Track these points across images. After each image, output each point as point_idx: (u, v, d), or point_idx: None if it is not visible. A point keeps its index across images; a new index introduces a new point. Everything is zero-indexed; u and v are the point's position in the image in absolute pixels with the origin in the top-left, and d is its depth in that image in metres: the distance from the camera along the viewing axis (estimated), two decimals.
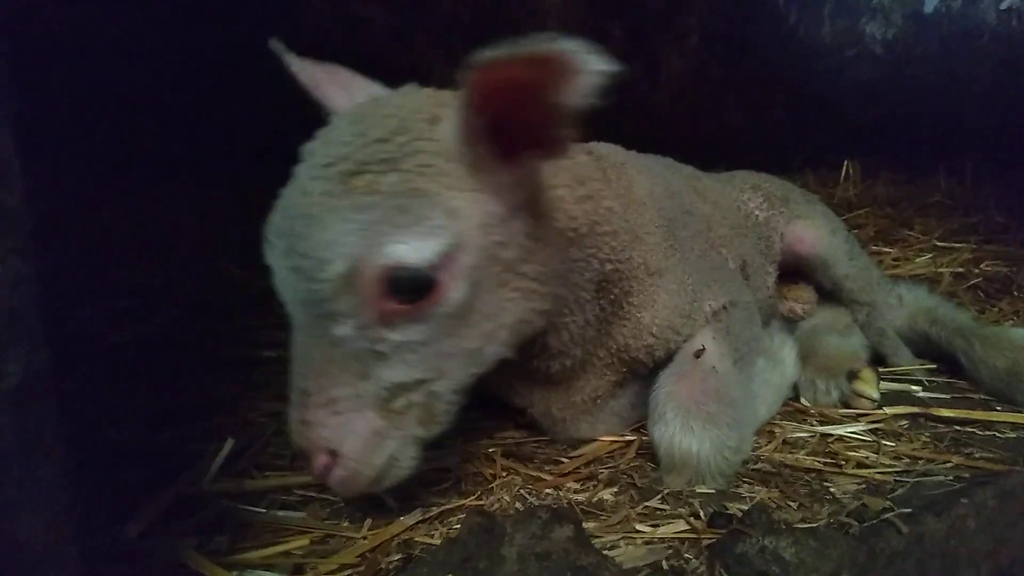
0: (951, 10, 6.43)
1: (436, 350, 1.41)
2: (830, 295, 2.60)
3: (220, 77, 5.67)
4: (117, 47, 4.58)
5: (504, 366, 1.59)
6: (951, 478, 1.76)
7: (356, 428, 1.40)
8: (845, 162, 4.88)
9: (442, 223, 1.32)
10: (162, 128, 4.24)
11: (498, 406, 2.09)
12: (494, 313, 1.45)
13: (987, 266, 3.53)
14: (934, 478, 1.77)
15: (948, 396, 2.33)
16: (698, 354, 1.85)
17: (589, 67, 1.14)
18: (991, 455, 1.91)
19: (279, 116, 5.85)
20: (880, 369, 2.45)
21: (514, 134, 1.33)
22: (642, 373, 1.91)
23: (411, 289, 1.32)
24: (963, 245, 3.83)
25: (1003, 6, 6.42)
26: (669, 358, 1.88)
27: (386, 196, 1.29)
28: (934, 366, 2.52)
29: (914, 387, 2.36)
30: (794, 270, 2.58)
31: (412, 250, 1.29)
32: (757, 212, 2.52)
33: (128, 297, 2.97)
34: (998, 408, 2.22)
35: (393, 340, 1.36)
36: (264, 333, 2.73)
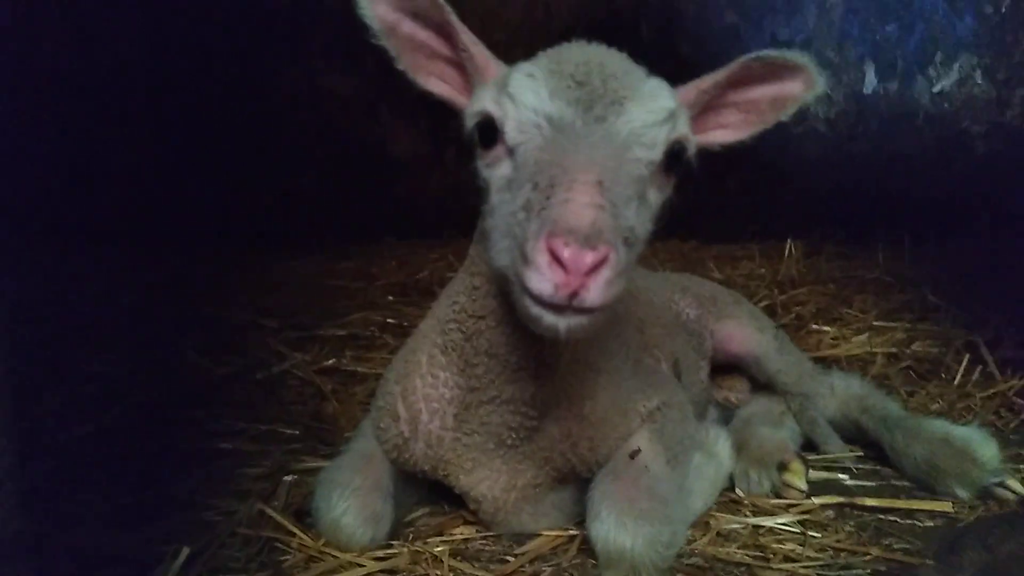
0: (888, 92, 6.83)
1: None
2: (764, 384, 2.75)
3: (189, 154, 5.80)
4: (83, 128, 4.67)
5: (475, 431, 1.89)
6: (868, 572, 1.89)
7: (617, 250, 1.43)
8: (788, 241, 5.09)
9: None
10: (121, 210, 4.32)
11: (449, 500, 2.19)
12: None
13: (918, 347, 3.72)
14: (853, 571, 1.90)
15: (874, 484, 2.47)
16: (633, 455, 1.97)
17: (819, 84, 1.76)
18: (908, 545, 2.05)
19: (243, 196, 5.97)
20: (811, 457, 2.60)
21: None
22: (582, 472, 2.02)
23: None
24: (897, 324, 4.03)
25: (935, 89, 6.84)
26: (607, 459, 2.00)
27: None
28: (862, 453, 2.67)
29: (842, 475, 2.51)
30: (728, 363, 2.74)
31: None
32: (687, 312, 2.69)
33: (90, 385, 3.03)
34: (919, 495, 2.36)
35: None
36: (222, 423, 2.81)
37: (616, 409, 2.03)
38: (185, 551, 1.78)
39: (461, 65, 1.81)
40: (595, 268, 1.35)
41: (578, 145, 1.49)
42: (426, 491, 2.24)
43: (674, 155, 1.65)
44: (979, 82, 6.90)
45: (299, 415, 2.95)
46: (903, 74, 6.86)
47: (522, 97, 1.56)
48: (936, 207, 6.12)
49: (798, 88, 1.79)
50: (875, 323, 4.07)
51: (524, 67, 1.63)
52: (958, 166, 6.68)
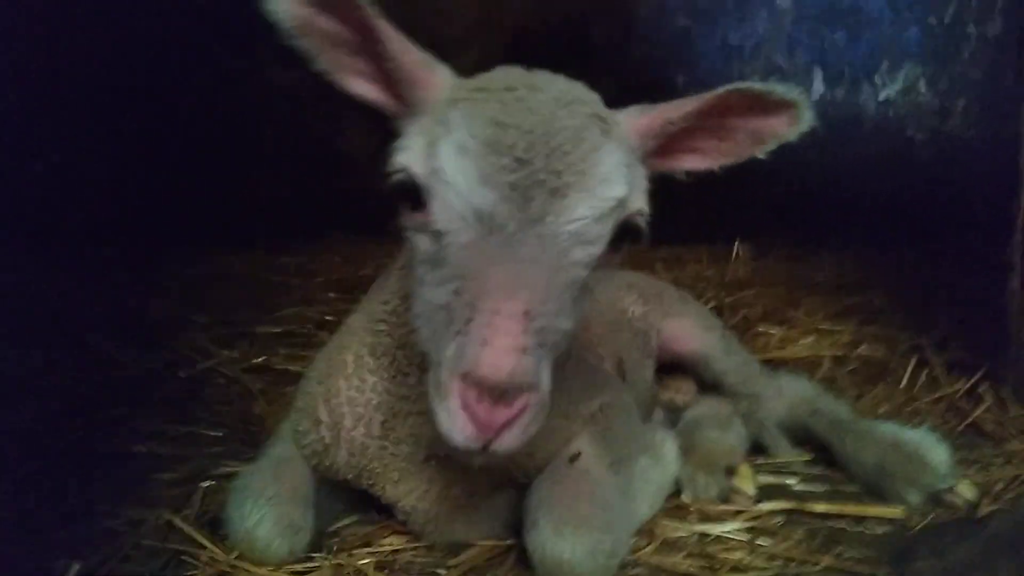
0: (835, 98, 6.87)
1: None
2: (711, 385, 2.66)
3: (120, 139, 5.53)
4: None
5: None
6: None
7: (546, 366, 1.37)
8: (736, 243, 5.05)
9: None
10: (39, 194, 4.06)
11: (379, 507, 2.03)
12: None
13: (865, 350, 3.68)
14: None
15: (823, 489, 2.39)
16: (573, 459, 1.85)
17: (805, 121, 1.53)
18: (859, 555, 1.97)
19: (179, 188, 5.72)
20: (759, 460, 2.52)
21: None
22: (519, 479, 1.89)
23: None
24: (844, 328, 3.99)
25: (880, 97, 6.91)
26: (547, 464, 1.87)
27: None
28: (810, 457, 2.60)
29: (790, 479, 2.43)
30: (674, 363, 2.64)
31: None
32: (633, 309, 2.58)
33: None
34: (869, 501, 2.29)
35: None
36: (139, 423, 2.61)
37: (556, 411, 1.90)
38: (75, 567, 1.60)
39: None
40: (510, 421, 1.28)
41: (507, 256, 1.31)
42: (355, 497, 2.08)
43: (624, 231, 1.47)
44: (923, 91, 6.99)
45: (224, 416, 2.77)
46: (850, 81, 6.91)
47: (451, 177, 1.35)
48: (883, 212, 6.16)
49: (782, 124, 1.57)
50: (822, 326, 4.03)
51: (456, 129, 1.38)
52: (903, 173, 6.74)
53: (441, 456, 1.81)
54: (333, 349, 1.98)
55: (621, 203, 1.42)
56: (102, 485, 2.14)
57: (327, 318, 3.99)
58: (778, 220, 6.09)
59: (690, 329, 2.59)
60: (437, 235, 1.39)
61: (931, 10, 6.91)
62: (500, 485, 1.92)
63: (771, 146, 1.60)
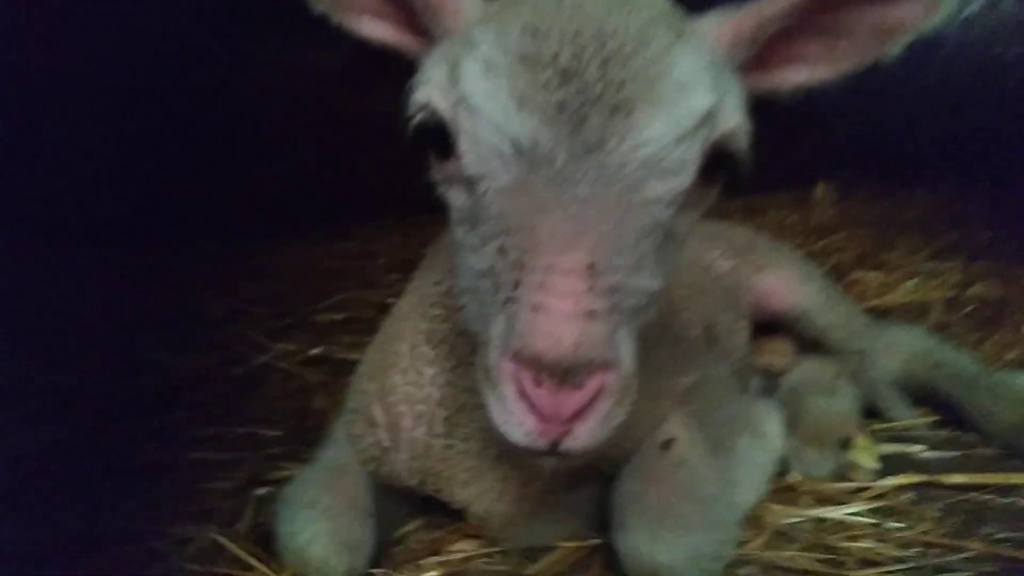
0: None
1: None
2: (813, 344, 2.35)
3: (167, 133, 5.45)
4: (40, 113, 4.35)
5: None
6: (972, 575, 1.50)
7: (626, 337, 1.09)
8: (818, 185, 4.66)
9: None
10: (83, 196, 3.97)
11: (446, 510, 1.81)
12: None
13: (978, 289, 3.30)
14: (953, 575, 1.51)
15: (957, 455, 2.08)
16: (665, 445, 1.58)
17: (946, 5, 1.18)
18: (1015, 533, 1.66)
19: (229, 178, 5.62)
20: (876, 426, 2.20)
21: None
22: (604, 469, 1.63)
23: None
24: (950, 265, 3.61)
25: (963, 15, 6.33)
26: (634, 452, 1.61)
27: None
28: (936, 418, 2.27)
29: (915, 447, 2.11)
30: (769, 323, 2.33)
31: None
32: (720, 264, 2.27)
33: (44, 396, 2.68)
34: (1014, 466, 1.97)
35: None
36: (190, 429, 2.45)
37: (643, 391, 1.63)
38: None
39: None
40: (583, 409, 1.00)
41: (560, 198, 1.02)
42: (421, 499, 1.86)
43: (718, 157, 1.16)
44: (1009, 4, 6.41)
45: (281, 414, 2.59)
46: None
47: (479, 103, 1.07)
48: (975, 139, 5.72)
49: (914, 10, 1.21)
50: (925, 267, 3.65)
51: (482, 43, 1.10)
52: (993, 94, 6.21)
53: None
54: (384, 339, 1.75)
55: (709, 117, 1.10)
56: (147, 501, 1.98)
57: (389, 300, 3.78)
58: (859, 157, 5.69)
59: (787, 282, 2.26)
60: (470, 183, 1.12)
61: None
62: (583, 477, 1.67)
63: (903, 42, 1.23)
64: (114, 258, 3.81)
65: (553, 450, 1.04)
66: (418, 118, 1.17)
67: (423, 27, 1.28)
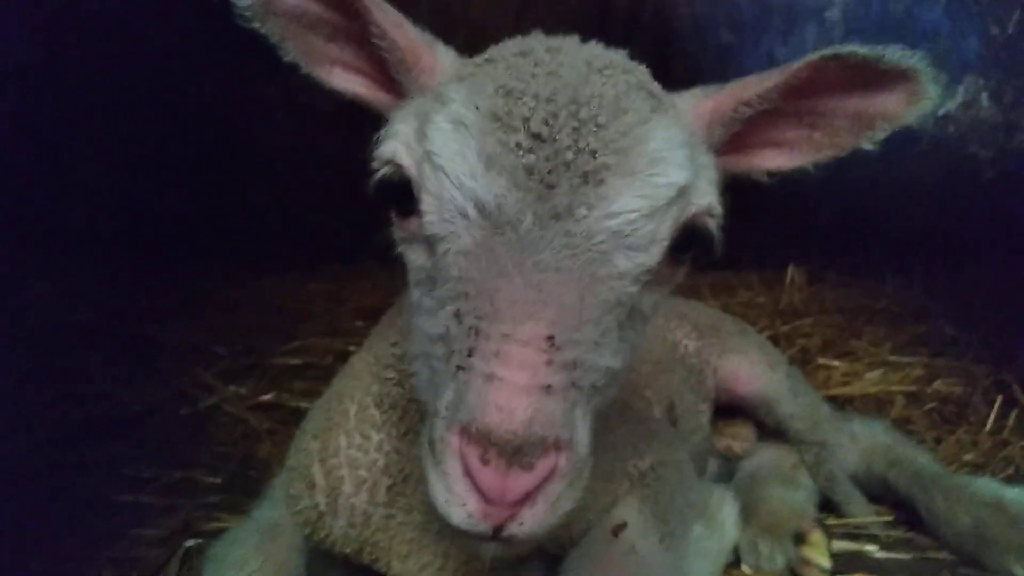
0: None
1: None
2: (773, 432, 2.32)
3: (145, 159, 5.39)
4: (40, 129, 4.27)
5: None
6: None
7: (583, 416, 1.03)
8: (789, 268, 4.70)
9: None
10: (45, 211, 3.88)
11: None
12: None
13: (941, 385, 3.30)
14: None
15: (909, 557, 2.04)
16: (616, 531, 1.52)
17: (930, 96, 1.15)
18: None
19: (201, 210, 5.56)
20: (830, 520, 2.16)
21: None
22: (550, 549, 1.57)
23: None
24: (914, 360, 3.62)
25: (940, 112, 6.51)
26: (585, 533, 1.55)
27: None
28: (891, 516, 2.23)
29: (870, 546, 2.07)
30: (730, 406, 2.30)
31: None
32: (685, 343, 2.24)
33: None
34: (965, 573, 1.93)
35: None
36: (128, 469, 2.35)
37: (598, 471, 1.58)
38: None
39: (378, 50, 1.25)
40: (532, 492, 0.94)
41: (522, 264, 0.98)
42: (357, 571, 1.77)
43: (689, 236, 1.13)
44: (985, 105, 6.61)
45: (225, 460, 2.50)
46: None
47: (445, 161, 1.03)
48: (946, 234, 5.83)
49: (896, 102, 1.19)
50: (890, 358, 3.66)
51: (453, 100, 1.07)
52: (966, 192, 6.36)
53: None
54: (333, 397, 1.67)
55: (682, 195, 1.08)
56: (66, 540, 1.88)
57: (351, 348, 3.72)
58: (832, 243, 5.76)
59: (752, 367, 2.24)
60: (431, 243, 1.08)
61: (993, 19, 6.57)
62: (527, 558, 1.60)
63: (881, 134, 1.22)
64: (70, 276, 3.70)
65: (496, 535, 0.97)
66: (381, 172, 1.14)
67: (396, 82, 1.25)
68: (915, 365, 3.54)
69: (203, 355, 3.43)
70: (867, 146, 1.25)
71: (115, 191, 4.72)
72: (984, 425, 2.84)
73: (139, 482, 2.27)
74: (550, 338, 0.96)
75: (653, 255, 1.07)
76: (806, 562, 1.88)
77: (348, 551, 1.57)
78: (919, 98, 1.18)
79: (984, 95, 6.56)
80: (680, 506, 1.68)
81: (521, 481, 0.93)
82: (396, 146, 1.12)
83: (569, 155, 1.01)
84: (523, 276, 0.98)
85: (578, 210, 1.00)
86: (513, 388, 0.92)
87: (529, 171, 1.00)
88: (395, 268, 1.51)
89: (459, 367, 0.98)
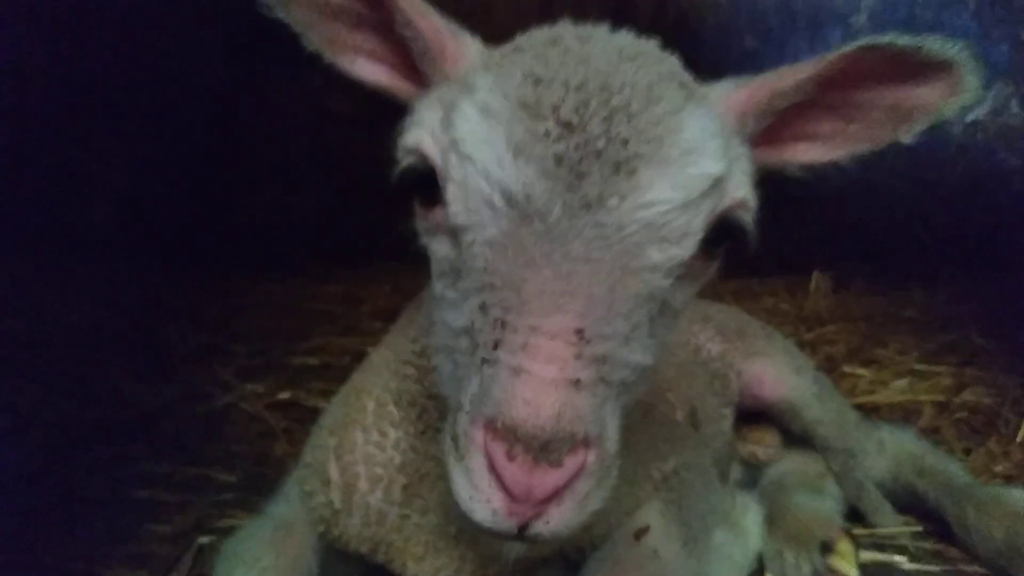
0: None
1: None
2: (799, 438, 2.26)
3: (164, 162, 5.42)
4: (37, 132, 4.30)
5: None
6: None
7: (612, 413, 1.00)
8: (814, 274, 4.63)
9: None
10: (63, 212, 3.89)
11: None
12: None
13: (969, 395, 3.22)
14: None
15: (939, 569, 1.97)
16: (639, 535, 1.48)
17: (971, 88, 1.12)
18: None
19: (221, 212, 5.58)
20: (857, 530, 2.10)
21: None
22: (570, 554, 1.53)
23: None
24: (942, 368, 3.54)
25: (968, 119, 6.41)
26: (605, 538, 1.51)
27: None
28: (920, 527, 2.16)
29: (898, 557, 2.00)
30: (755, 411, 2.25)
31: None
32: (709, 347, 2.19)
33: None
34: None
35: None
36: (143, 465, 2.34)
37: (622, 473, 1.54)
38: None
39: (402, 39, 1.21)
40: (560, 490, 0.91)
41: (551, 255, 0.95)
42: (371, 571, 1.74)
43: (723, 229, 1.09)
44: (1015, 111, 6.51)
45: (240, 458, 2.48)
46: None
47: (472, 150, 1.00)
48: (973, 242, 5.75)
49: (936, 94, 1.16)
50: (916, 366, 3.58)
51: (481, 88, 1.04)
52: (994, 198, 6.26)
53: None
54: (350, 392, 1.65)
55: (717, 186, 1.04)
56: (80, 535, 1.87)
57: (368, 349, 3.69)
58: (857, 250, 5.70)
59: (777, 372, 2.19)
60: (456, 234, 1.04)
61: (1022, 24, 6.47)
62: (546, 563, 1.56)
63: (921, 126, 1.17)
64: (89, 276, 3.71)
65: (521, 534, 0.94)
66: (405, 162, 1.10)
67: (419, 72, 1.22)
68: (943, 374, 3.46)
69: (220, 353, 3.43)
70: (905, 139, 1.20)
71: (135, 193, 4.74)
72: (1015, 436, 2.76)
73: (154, 478, 2.26)
74: (579, 331, 0.92)
75: (686, 248, 1.03)
76: (833, 572, 1.82)
77: (363, 550, 1.54)
78: (959, 90, 1.14)
79: (1014, 101, 6.46)
80: (702, 511, 1.63)
81: (549, 478, 0.90)
82: (421, 134, 1.09)
83: (600, 144, 0.97)
84: (552, 267, 0.94)
85: (609, 200, 0.97)
86: (541, 382, 0.89)
87: (559, 160, 0.97)
88: (413, 269, 1.50)
89: (484, 360, 0.95)
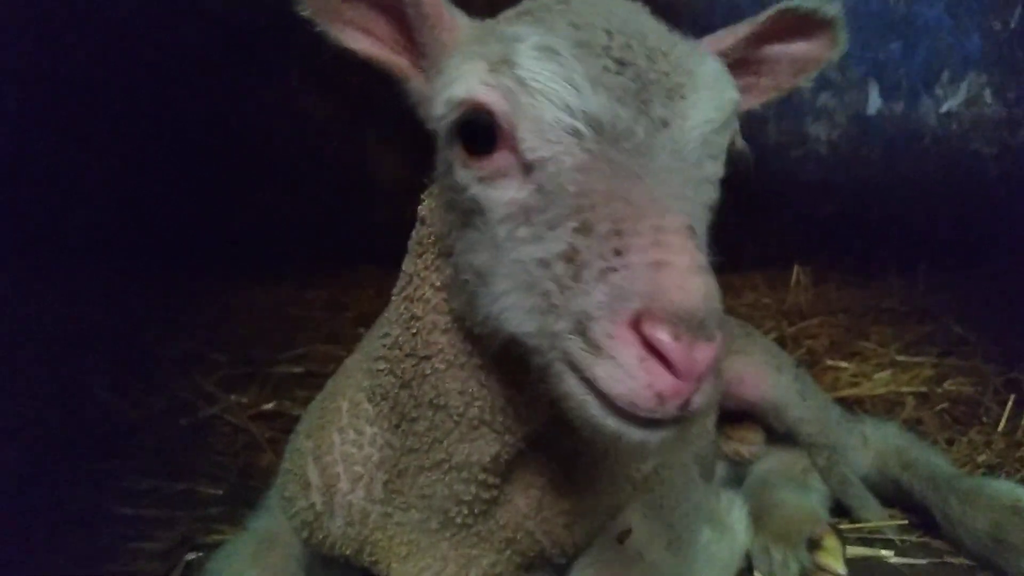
0: (893, 112, 6.45)
1: None
2: (783, 435, 2.27)
3: (140, 165, 5.37)
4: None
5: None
6: None
7: None
8: (795, 268, 4.65)
9: None
10: (42, 218, 3.84)
11: None
12: None
13: (951, 385, 3.26)
14: None
15: (926, 562, 1.99)
16: (621, 537, 1.48)
17: (842, 41, 1.39)
18: None
19: (200, 217, 5.53)
20: (843, 526, 2.12)
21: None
22: (553, 557, 1.53)
23: None
24: (923, 360, 3.57)
25: (942, 110, 6.47)
26: (588, 541, 1.51)
27: None
28: (906, 521, 2.18)
29: (885, 551, 2.02)
30: (737, 409, 2.25)
31: None
32: None
33: None
34: None
35: None
36: (125, 480, 2.32)
37: (603, 473, 1.55)
38: None
39: (399, 11, 1.28)
40: (711, 364, 0.96)
41: (647, 167, 1.04)
42: (355, 573, 1.73)
43: (728, 160, 1.25)
44: (988, 102, 6.57)
45: (226, 471, 2.46)
46: (908, 94, 6.52)
47: (545, 86, 1.07)
48: (950, 231, 5.80)
49: (822, 47, 1.42)
50: (898, 357, 3.61)
51: (532, 35, 1.11)
52: (970, 189, 6.32)
53: (458, 525, 1.46)
54: (327, 396, 1.66)
55: (735, 110, 1.21)
56: (64, 553, 1.84)
57: None
58: (835, 243, 5.72)
59: (758, 370, 2.20)
60: (529, 170, 1.09)
61: (994, 15, 6.53)
62: (531, 565, 1.56)
63: (811, 74, 1.45)
64: (66, 284, 3.67)
65: (678, 417, 0.96)
66: (455, 115, 1.15)
67: (414, 43, 1.29)
68: (924, 365, 3.49)
69: (203, 363, 3.40)
70: (805, 84, 1.47)
71: (114, 199, 4.69)
72: (997, 425, 2.79)
73: (138, 494, 2.23)
74: (690, 227, 1.00)
75: (721, 165, 1.19)
76: (821, 568, 1.83)
77: (348, 552, 1.54)
78: (836, 42, 1.41)
79: (987, 92, 6.53)
80: (686, 510, 1.64)
81: (708, 352, 0.94)
82: (471, 84, 1.12)
83: (652, 76, 1.10)
84: (650, 176, 1.03)
85: (675, 121, 1.09)
86: (683, 269, 0.95)
87: (626, 89, 1.07)
88: (397, 275, 1.51)
89: (609, 268, 0.97)
